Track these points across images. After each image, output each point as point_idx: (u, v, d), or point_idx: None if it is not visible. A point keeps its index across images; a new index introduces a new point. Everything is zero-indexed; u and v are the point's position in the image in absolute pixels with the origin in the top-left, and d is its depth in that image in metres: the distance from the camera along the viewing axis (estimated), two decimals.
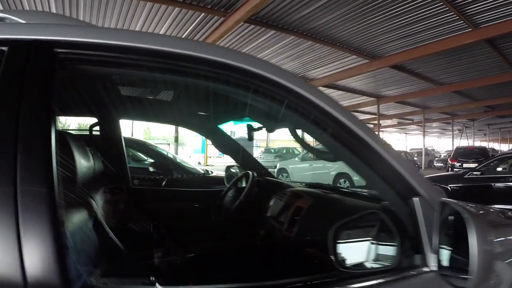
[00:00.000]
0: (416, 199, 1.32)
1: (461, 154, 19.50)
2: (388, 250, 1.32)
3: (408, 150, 34.82)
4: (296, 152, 24.32)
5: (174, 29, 12.36)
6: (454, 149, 21.87)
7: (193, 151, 34.08)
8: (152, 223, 2.56)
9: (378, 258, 1.33)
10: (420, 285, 1.29)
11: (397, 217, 1.36)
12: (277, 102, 1.40)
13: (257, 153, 31.07)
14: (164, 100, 2.98)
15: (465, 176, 9.82)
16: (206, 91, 1.97)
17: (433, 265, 1.28)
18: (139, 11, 10.95)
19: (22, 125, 1.02)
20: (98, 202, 2.01)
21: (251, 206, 2.80)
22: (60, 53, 1.21)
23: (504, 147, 51.42)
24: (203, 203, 3.31)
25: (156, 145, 8.61)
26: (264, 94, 1.38)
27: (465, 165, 16.91)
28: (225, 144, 3.52)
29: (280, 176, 16.59)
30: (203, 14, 11.09)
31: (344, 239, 1.34)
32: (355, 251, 1.34)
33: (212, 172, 6.47)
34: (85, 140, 1.91)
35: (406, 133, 56.16)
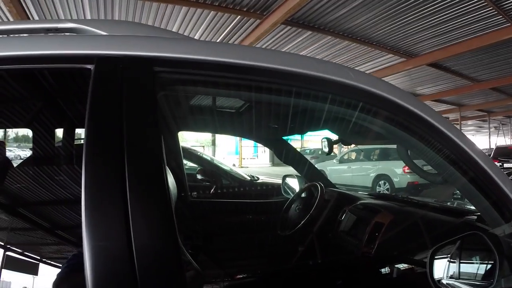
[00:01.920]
0: None
1: (502, 153, 19.00)
2: (483, 269, 1.23)
3: None
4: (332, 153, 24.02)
5: (209, 33, 12.32)
6: (494, 148, 21.32)
7: (227, 153, 34.05)
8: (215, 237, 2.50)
9: (472, 276, 1.25)
10: None
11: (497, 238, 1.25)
12: (382, 118, 1.34)
13: None
14: (234, 112, 2.87)
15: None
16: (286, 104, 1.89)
17: None
18: (175, 14, 10.95)
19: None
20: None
21: (322, 220, 2.62)
22: (161, 72, 1.10)
23: None
24: (263, 215, 3.20)
25: (195, 149, 8.44)
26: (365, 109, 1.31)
27: (506, 165, 16.42)
28: (288, 154, 3.39)
29: None
30: (239, 17, 11.05)
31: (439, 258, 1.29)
32: (449, 269, 1.27)
33: (258, 178, 6.30)
34: None
35: None
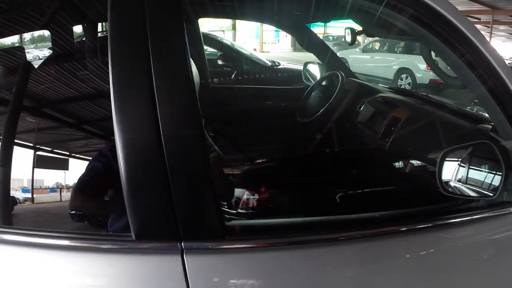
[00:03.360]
0: None
1: None
2: (490, 178, 1.29)
3: None
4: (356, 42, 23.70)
5: None
6: None
7: (248, 37, 33.43)
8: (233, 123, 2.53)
9: (479, 184, 1.32)
10: None
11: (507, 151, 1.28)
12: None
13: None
14: None
15: None
16: None
17: None
18: None
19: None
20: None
21: (341, 110, 2.65)
22: None
23: None
24: (283, 101, 3.23)
25: (215, 34, 8.23)
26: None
27: None
28: (310, 41, 3.30)
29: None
30: None
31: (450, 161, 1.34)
32: (458, 173, 1.34)
33: (279, 63, 6.23)
34: None
35: None
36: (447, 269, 1.20)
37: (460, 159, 1.33)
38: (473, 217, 1.26)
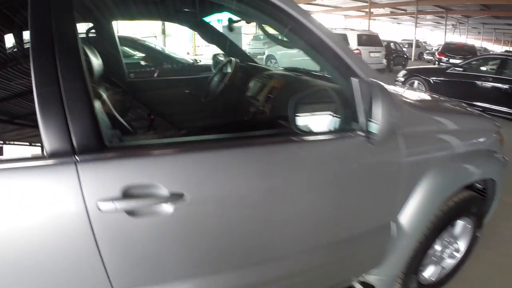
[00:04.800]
0: (354, 79, 1.68)
1: (450, 49, 19.49)
2: (335, 119, 1.71)
3: (400, 41, 34.73)
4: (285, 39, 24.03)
5: None
6: (444, 43, 21.85)
7: (182, 41, 33.22)
8: (148, 109, 2.90)
9: (327, 124, 1.73)
10: (353, 143, 1.77)
11: (342, 93, 1.77)
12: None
13: (246, 41, 30.80)
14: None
15: (448, 71, 10.12)
16: None
17: (362, 130, 1.73)
18: None
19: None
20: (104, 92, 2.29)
21: (234, 88, 3.18)
22: None
23: (497, 48, 51.19)
24: (193, 88, 3.64)
25: (144, 39, 8.60)
26: None
27: (451, 61, 17.03)
28: (211, 35, 3.77)
29: (269, 62, 16.62)
30: None
31: (302, 109, 1.69)
32: (310, 118, 1.70)
33: (200, 61, 6.64)
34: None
35: (398, 23, 55.24)
36: (299, 168, 1.67)
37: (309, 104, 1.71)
38: (319, 138, 1.73)
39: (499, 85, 8.98)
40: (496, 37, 54.03)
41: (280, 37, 2.47)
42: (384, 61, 14.87)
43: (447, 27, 38.95)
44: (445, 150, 2.24)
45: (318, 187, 1.75)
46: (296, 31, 1.78)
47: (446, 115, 2.49)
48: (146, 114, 2.69)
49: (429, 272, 2.69)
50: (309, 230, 1.80)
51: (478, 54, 15.66)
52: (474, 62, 10.17)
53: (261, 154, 1.61)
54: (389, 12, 40.61)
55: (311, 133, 1.71)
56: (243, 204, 1.56)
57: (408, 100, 2.32)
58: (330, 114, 1.70)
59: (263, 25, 2.50)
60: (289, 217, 1.71)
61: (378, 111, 1.54)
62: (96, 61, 2.23)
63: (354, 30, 14.07)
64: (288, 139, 1.69)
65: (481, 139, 2.61)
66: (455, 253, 2.83)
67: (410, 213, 2.09)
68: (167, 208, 1.38)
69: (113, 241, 1.36)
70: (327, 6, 38.13)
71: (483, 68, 9.88)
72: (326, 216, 1.83)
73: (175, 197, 1.37)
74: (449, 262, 2.83)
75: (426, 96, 3.20)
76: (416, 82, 10.47)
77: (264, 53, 17.99)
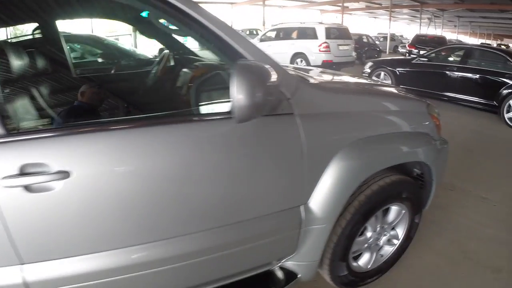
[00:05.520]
0: (240, 62, 1.59)
1: (420, 41, 19.74)
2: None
3: (376, 34, 35.01)
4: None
5: None
6: (414, 35, 22.05)
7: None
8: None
9: (223, 107, 1.77)
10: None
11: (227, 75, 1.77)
12: None
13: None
14: None
15: (413, 62, 10.14)
16: None
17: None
18: None
19: None
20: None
21: (164, 77, 3.20)
22: None
23: (473, 41, 51.88)
24: (134, 82, 3.57)
25: (109, 37, 8.56)
26: None
27: (421, 52, 17.19)
28: (150, 30, 3.73)
29: None
30: None
31: (203, 94, 1.81)
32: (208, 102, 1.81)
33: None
34: (30, 43, 2.60)
35: (375, 17, 55.60)
36: (190, 150, 1.71)
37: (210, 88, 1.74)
38: (212, 119, 1.76)
39: (464, 74, 9.02)
40: (472, 30, 54.55)
41: (172, 27, 2.49)
42: (354, 54, 14.87)
43: (423, 21, 39.34)
44: (360, 132, 2.19)
45: (211, 168, 1.77)
46: (184, 21, 1.81)
47: (365, 97, 2.47)
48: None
49: (364, 260, 2.64)
50: (207, 209, 1.82)
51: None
52: (439, 52, 10.20)
53: (151, 136, 1.66)
54: (364, 7, 40.78)
55: (208, 115, 1.80)
56: (133, 181, 1.62)
57: (315, 82, 2.30)
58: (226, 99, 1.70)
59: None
60: (184, 195, 1.75)
61: (233, 89, 1.49)
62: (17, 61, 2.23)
63: (322, 23, 14.03)
64: (184, 120, 1.76)
65: (408, 122, 2.56)
66: (394, 240, 2.79)
67: (321, 197, 2.04)
68: (57, 184, 1.47)
69: (17, 216, 1.47)
70: (302, 1, 38.13)
71: (448, 58, 9.93)
72: (223, 196, 1.84)
73: (62, 175, 1.47)
74: (388, 249, 2.78)
75: (351, 80, 3.17)
76: (382, 74, 10.46)
77: None
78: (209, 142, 1.75)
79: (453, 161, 5.38)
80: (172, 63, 3.33)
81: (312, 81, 2.30)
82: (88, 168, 1.53)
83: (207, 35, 1.82)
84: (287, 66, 2.85)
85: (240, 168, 1.83)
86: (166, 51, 3.38)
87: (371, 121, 2.29)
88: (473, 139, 6.89)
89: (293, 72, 2.43)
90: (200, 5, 1.79)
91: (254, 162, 1.85)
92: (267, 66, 1.61)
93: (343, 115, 2.16)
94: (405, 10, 41.68)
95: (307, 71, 3.19)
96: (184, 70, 3.04)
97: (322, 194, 2.04)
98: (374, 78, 10.47)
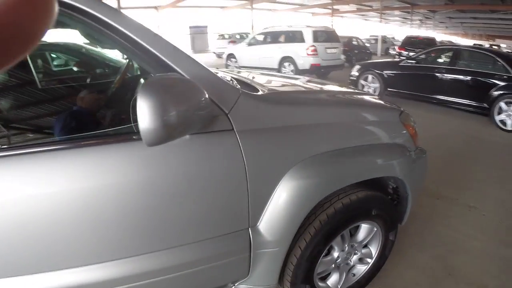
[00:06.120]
0: (148, 80, 1.43)
1: (410, 43, 19.69)
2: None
3: (368, 37, 35.10)
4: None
5: None
6: (404, 37, 21.98)
7: None
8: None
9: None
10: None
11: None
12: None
13: (213, 39, 31.61)
14: None
15: (401, 64, 9.92)
16: None
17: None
18: None
19: None
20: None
21: (121, 90, 2.95)
22: None
23: (465, 42, 52.03)
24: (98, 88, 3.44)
25: (89, 46, 8.34)
26: None
27: (411, 54, 17.08)
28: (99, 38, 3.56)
29: (229, 61, 16.69)
30: None
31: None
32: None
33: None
34: None
35: (366, 20, 55.69)
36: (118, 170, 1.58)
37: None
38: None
39: (453, 76, 8.80)
40: (464, 31, 54.81)
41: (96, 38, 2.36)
42: (343, 57, 14.71)
43: (415, 22, 39.43)
44: (315, 147, 1.99)
45: (139, 191, 1.63)
46: (104, 32, 1.63)
47: (325, 108, 2.24)
48: None
49: (333, 280, 2.45)
50: (143, 233, 1.70)
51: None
52: (427, 54, 9.98)
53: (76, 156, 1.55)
54: (355, 9, 40.82)
55: (124, 134, 1.66)
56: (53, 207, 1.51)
57: (262, 94, 2.09)
58: None
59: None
60: (114, 220, 1.62)
61: (138, 111, 1.32)
62: None
63: (309, 26, 13.86)
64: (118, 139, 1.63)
65: (376, 133, 2.36)
66: (367, 259, 2.59)
67: (271, 219, 1.87)
68: None
69: None
70: (292, 4, 38.08)
71: (437, 60, 9.72)
72: (159, 220, 1.70)
73: None
74: (360, 268, 2.59)
75: (317, 89, 2.97)
76: (370, 77, 10.20)
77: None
78: (132, 164, 1.60)
79: (440, 167, 5.20)
80: (134, 73, 3.12)
81: (260, 93, 2.09)
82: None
83: (130, 45, 1.65)
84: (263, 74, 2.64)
85: (174, 189, 1.66)
86: (127, 60, 3.15)
87: (330, 134, 2.09)
88: (462, 143, 6.66)
89: (250, 82, 2.32)
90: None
91: (189, 183, 1.68)
92: (187, 79, 1.53)
93: (294, 129, 1.95)
94: (396, 12, 41.80)
95: (270, 81, 2.99)
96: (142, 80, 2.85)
97: (273, 216, 1.86)
98: (361, 81, 10.28)
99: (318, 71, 13.50)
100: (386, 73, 9.89)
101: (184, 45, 38.99)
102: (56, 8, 0.33)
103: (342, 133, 2.16)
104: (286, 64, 13.85)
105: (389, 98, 9.80)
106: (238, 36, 27.37)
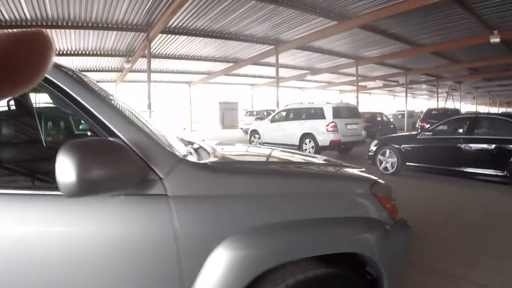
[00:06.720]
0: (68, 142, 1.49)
1: (433, 115, 19.55)
2: None
3: (395, 112, 35.23)
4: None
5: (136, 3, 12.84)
6: (425, 110, 21.90)
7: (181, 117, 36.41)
8: None
9: None
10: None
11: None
12: None
13: (241, 115, 32.58)
14: None
15: (418, 137, 9.86)
16: None
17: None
18: None
19: None
20: None
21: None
22: None
23: (493, 111, 51.30)
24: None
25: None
26: None
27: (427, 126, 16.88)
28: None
29: (252, 137, 17.08)
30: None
31: None
32: None
33: None
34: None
35: (394, 95, 55.95)
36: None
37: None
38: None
39: (471, 145, 8.64)
40: (492, 99, 54.21)
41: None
42: (364, 132, 14.72)
43: (441, 95, 39.38)
44: (257, 217, 1.96)
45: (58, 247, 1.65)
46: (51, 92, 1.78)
47: (275, 178, 2.23)
48: None
49: None
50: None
51: None
52: (442, 125, 9.93)
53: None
54: (382, 85, 41.16)
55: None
56: None
57: (204, 162, 2.13)
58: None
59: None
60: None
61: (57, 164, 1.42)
62: None
63: (329, 103, 14.03)
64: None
65: (335, 206, 2.28)
66: None
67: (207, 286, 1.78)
68: None
69: None
70: (321, 82, 38.70)
71: (454, 131, 9.60)
72: (83, 273, 1.67)
73: None
74: None
75: (276, 158, 3.07)
76: (387, 151, 10.14)
77: None
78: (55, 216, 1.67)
79: (450, 242, 4.94)
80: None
81: (204, 160, 2.15)
82: None
83: (77, 108, 1.78)
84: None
85: (101, 247, 1.68)
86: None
87: (277, 206, 2.04)
88: (477, 216, 6.35)
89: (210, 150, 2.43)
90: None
91: (115, 243, 1.69)
92: (116, 143, 1.63)
93: (235, 198, 1.94)
94: (423, 86, 41.91)
95: (237, 151, 3.09)
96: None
97: (207, 286, 1.79)
98: (379, 156, 10.28)
99: (338, 147, 13.54)
100: (403, 147, 9.83)
101: (214, 120, 40.24)
102: (54, 53, 0.34)
103: (292, 204, 2.10)
104: (307, 140, 13.97)
105: (407, 173, 9.72)
106: (265, 113, 27.69)
